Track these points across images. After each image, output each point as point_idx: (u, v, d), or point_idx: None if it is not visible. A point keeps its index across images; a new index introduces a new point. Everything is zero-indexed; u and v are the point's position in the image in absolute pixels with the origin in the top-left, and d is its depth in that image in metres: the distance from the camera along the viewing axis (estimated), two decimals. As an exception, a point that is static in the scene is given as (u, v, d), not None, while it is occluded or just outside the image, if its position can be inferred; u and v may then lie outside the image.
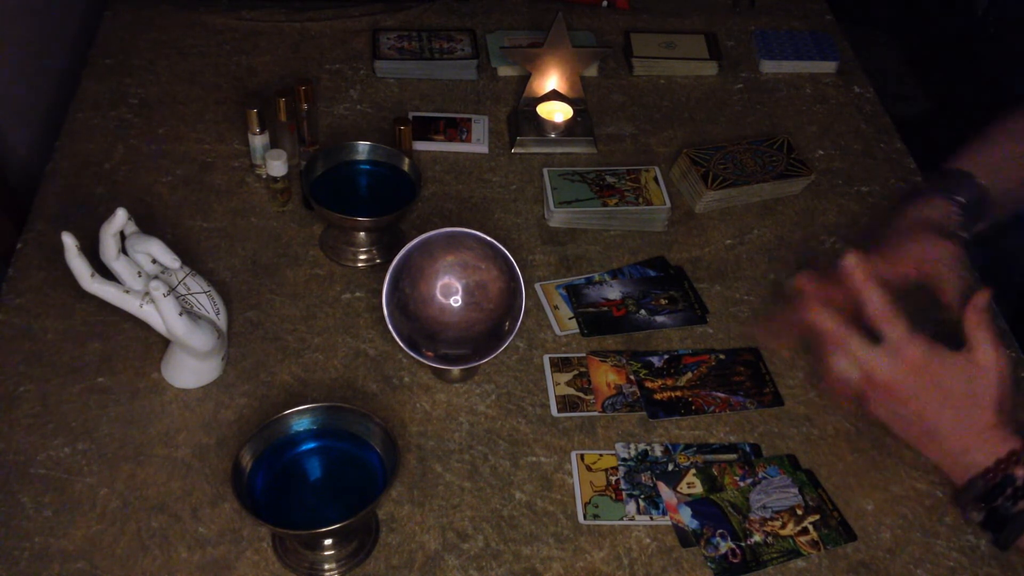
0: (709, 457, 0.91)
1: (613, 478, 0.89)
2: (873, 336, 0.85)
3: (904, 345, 0.84)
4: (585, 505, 0.87)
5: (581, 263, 1.09)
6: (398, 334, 0.91)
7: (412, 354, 0.91)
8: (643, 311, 1.04)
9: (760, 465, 0.91)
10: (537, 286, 1.06)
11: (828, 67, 1.38)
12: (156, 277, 0.86)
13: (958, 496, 0.86)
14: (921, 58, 2.15)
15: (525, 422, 0.93)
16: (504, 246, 0.92)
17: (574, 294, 1.05)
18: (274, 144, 1.15)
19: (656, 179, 1.17)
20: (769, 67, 1.38)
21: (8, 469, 0.87)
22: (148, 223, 1.08)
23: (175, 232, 1.09)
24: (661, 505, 0.87)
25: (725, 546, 0.84)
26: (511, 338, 0.92)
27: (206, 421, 0.91)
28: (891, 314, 0.84)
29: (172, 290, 0.86)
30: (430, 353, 0.92)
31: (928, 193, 0.99)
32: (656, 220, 1.14)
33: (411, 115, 1.25)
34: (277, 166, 1.09)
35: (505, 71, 1.35)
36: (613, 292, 1.06)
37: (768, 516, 0.87)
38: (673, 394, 0.96)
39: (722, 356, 1.00)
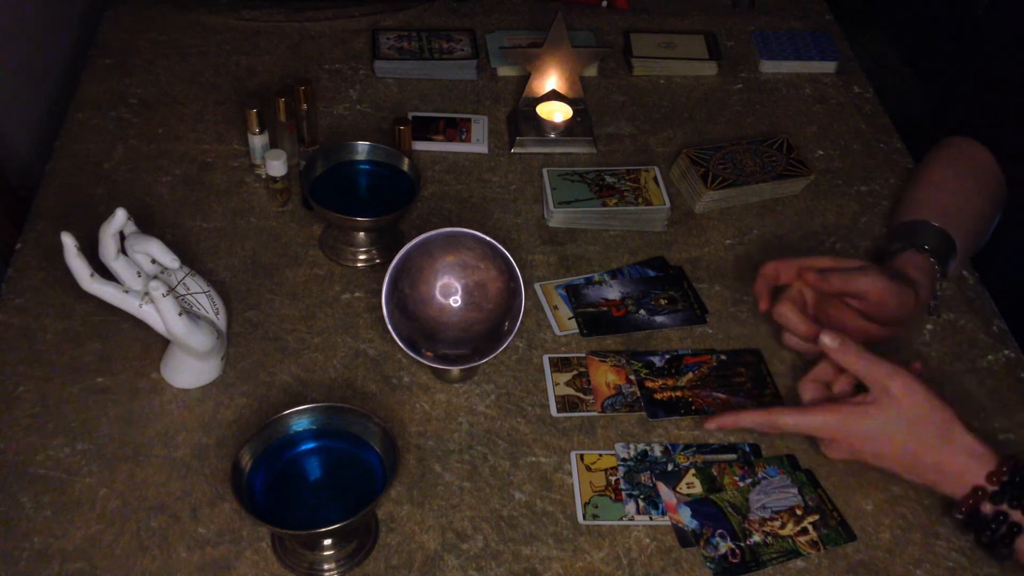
0: (709, 457, 0.91)
1: (613, 478, 0.89)
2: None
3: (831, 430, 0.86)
4: (584, 505, 0.87)
5: (581, 263, 1.09)
6: (397, 334, 0.91)
7: (412, 354, 0.91)
8: (643, 311, 1.04)
9: (759, 465, 0.91)
10: (537, 286, 1.06)
11: (828, 67, 1.38)
12: (155, 277, 0.86)
13: (949, 514, 0.87)
14: (921, 58, 2.15)
15: (524, 422, 0.93)
16: (504, 246, 0.92)
17: (574, 294, 1.05)
18: (274, 144, 1.15)
19: (656, 179, 1.17)
20: (769, 67, 1.38)
21: (8, 469, 0.87)
22: (148, 223, 1.08)
23: (175, 232, 1.09)
24: (661, 505, 0.87)
25: (725, 546, 0.84)
26: (511, 338, 0.92)
27: (205, 421, 0.91)
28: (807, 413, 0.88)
29: (171, 290, 0.86)
30: (429, 353, 0.92)
31: (898, 250, 1.01)
32: (656, 220, 1.14)
33: (411, 115, 1.25)
34: (277, 166, 1.09)
35: (505, 71, 1.35)
36: (613, 292, 1.06)
37: (768, 516, 0.87)
38: (673, 394, 0.96)
39: (723, 357, 1.00)
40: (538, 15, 1.45)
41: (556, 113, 1.23)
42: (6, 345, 0.96)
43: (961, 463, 0.82)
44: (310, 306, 1.03)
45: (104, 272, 0.88)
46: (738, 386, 0.97)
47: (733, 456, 0.92)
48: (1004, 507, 0.80)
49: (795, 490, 0.89)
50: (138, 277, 0.88)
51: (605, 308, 1.04)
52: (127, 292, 0.87)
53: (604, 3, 1.48)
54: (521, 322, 0.92)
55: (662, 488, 0.88)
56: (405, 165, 1.08)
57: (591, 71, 1.35)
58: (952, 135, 1.12)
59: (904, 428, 0.83)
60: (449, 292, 0.95)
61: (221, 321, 0.92)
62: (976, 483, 0.81)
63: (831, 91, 1.36)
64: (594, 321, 1.03)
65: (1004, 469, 0.81)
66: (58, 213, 1.09)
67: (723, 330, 1.03)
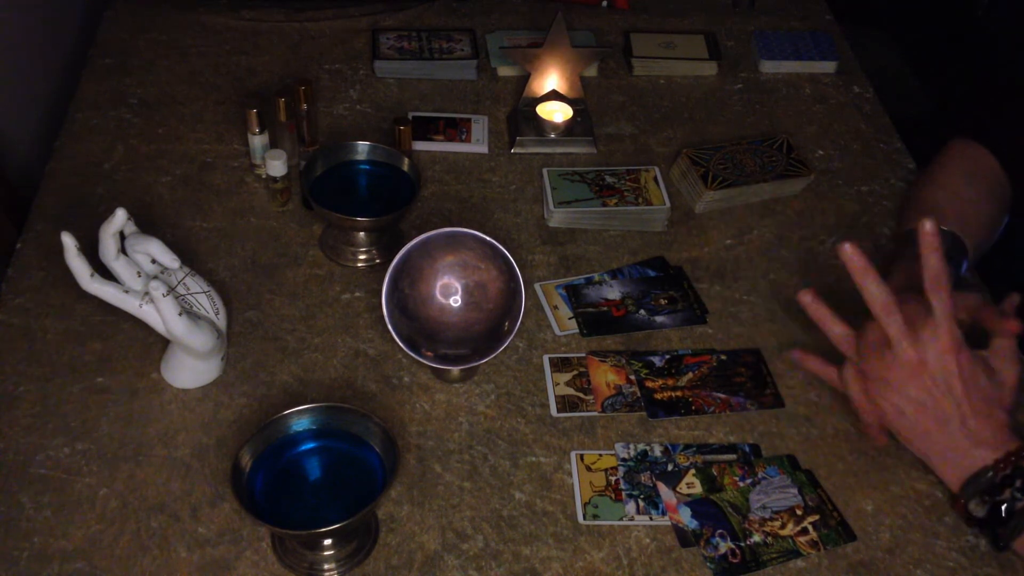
0: (709, 457, 0.91)
1: (613, 478, 0.89)
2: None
3: (944, 324, 0.84)
4: (585, 505, 0.87)
5: (581, 263, 1.09)
6: (398, 334, 0.91)
7: (412, 354, 0.91)
8: (643, 311, 1.04)
9: (760, 465, 0.91)
10: (537, 286, 1.06)
11: (828, 67, 1.39)
12: (156, 277, 0.86)
13: (963, 489, 0.85)
14: (921, 58, 2.15)
15: (525, 422, 0.93)
16: (504, 246, 0.92)
17: (574, 294, 1.05)
18: (274, 144, 1.15)
19: (656, 179, 1.17)
20: (769, 67, 1.38)
21: (8, 469, 0.87)
22: (148, 223, 1.08)
23: (175, 232, 1.09)
24: (661, 505, 0.87)
25: (725, 546, 0.84)
26: (511, 338, 0.92)
27: (206, 421, 0.92)
28: (939, 286, 0.85)
29: (172, 290, 0.86)
30: (429, 353, 0.92)
31: (911, 256, 1.00)
32: (656, 220, 1.14)
33: (411, 115, 1.25)
34: (277, 166, 1.09)
35: (505, 71, 1.35)
36: (613, 292, 1.06)
37: (768, 516, 0.87)
38: (673, 394, 0.96)
39: (723, 357, 1.00)
40: (538, 15, 1.45)
41: (556, 113, 1.23)
42: (6, 345, 0.96)
43: (1010, 431, 0.84)
44: (310, 306, 1.03)
45: (104, 272, 0.88)
46: (738, 386, 0.97)
47: (733, 456, 0.92)
48: None
49: (795, 490, 0.89)
50: (138, 277, 0.88)
51: (605, 308, 1.04)
52: (127, 292, 0.87)
53: (604, 3, 1.48)
54: (521, 322, 0.92)
55: (662, 488, 0.88)
56: (405, 165, 1.08)
57: (591, 71, 1.35)
58: (953, 136, 1.12)
59: (991, 390, 0.85)
60: (449, 292, 0.95)
61: (221, 321, 0.92)
62: (1018, 444, 0.83)
63: (831, 91, 1.36)
64: (594, 321, 1.03)
65: None
66: (58, 213, 1.09)
67: (723, 330, 1.03)
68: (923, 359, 0.84)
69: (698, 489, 0.89)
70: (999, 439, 0.83)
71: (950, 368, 0.84)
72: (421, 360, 0.92)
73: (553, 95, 1.24)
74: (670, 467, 0.90)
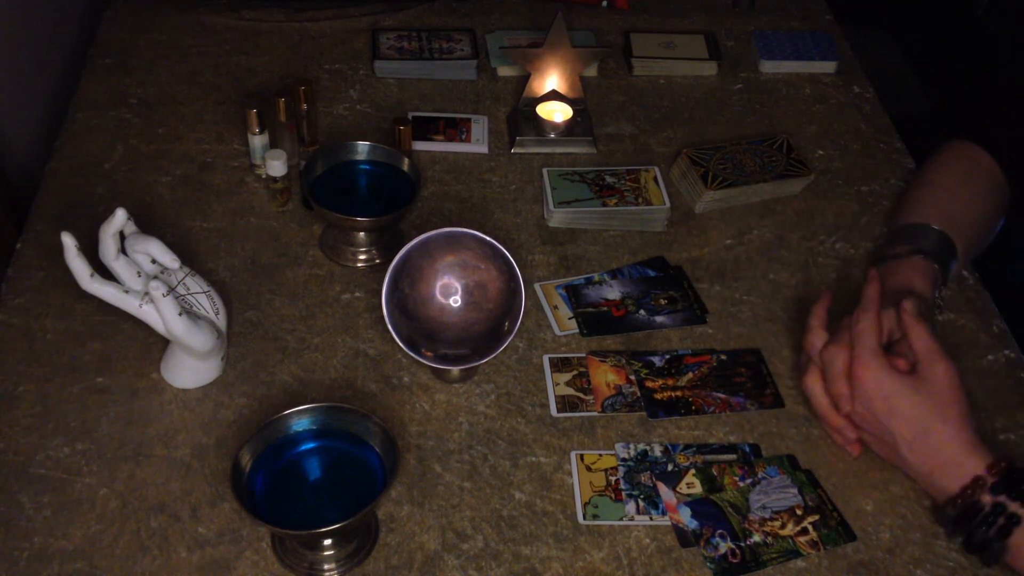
0: (709, 457, 0.91)
1: (613, 478, 0.89)
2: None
3: (863, 376, 0.87)
4: (585, 505, 0.87)
5: (581, 263, 1.09)
6: (397, 334, 0.91)
7: (411, 354, 0.91)
8: (643, 311, 1.04)
9: (760, 465, 0.91)
10: (537, 286, 1.06)
11: (828, 67, 1.38)
12: (156, 277, 0.86)
13: (936, 519, 0.87)
14: (921, 58, 2.15)
15: (524, 422, 0.93)
16: (504, 246, 0.92)
17: (574, 294, 1.05)
18: (274, 144, 1.15)
19: (656, 179, 1.17)
20: (769, 67, 1.38)
21: (8, 469, 0.87)
22: (148, 223, 1.08)
23: (175, 232, 1.09)
24: (661, 505, 0.87)
25: (725, 546, 0.84)
26: (511, 338, 0.92)
27: (205, 421, 0.92)
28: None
29: (172, 290, 0.86)
30: (429, 353, 0.92)
31: (898, 255, 1.01)
32: (656, 220, 1.14)
33: (411, 115, 1.25)
34: (277, 166, 1.09)
35: (505, 71, 1.35)
36: (613, 292, 1.06)
37: (768, 516, 0.87)
38: (673, 394, 0.96)
39: (723, 357, 1.00)
40: (538, 15, 1.45)
41: (556, 113, 1.23)
42: (6, 345, 0.96)
43: (963, 455, 0.83)
44: (310, 306, 1.03)
45: (104, 272, 0.88)
46: (738, 386, 0.97)
47: (733, 456, 0.92)
48: (1003, 498, 0.80)
49: (795, 490, 0.89)
50: (138, 277, 0.88)
51: (605, 308, 1.04)
52: (127, 292, 0.87)
53: (604, 3, 1.48)
54: (521, 322, 0.92)
55: (662, 488, 0.88)
56: (405, 165, 1.08)
57: (591, 71, 1.35)
58: (952, 136, 1.12)
59: (931, 402, 0.84)
60: (449, 292, 0.95)
61: (221, 321, 0.92)
62: (977, 473, 0.82)
63: (831, 91, 1.36)
64: (594, 321, 1.03)
65: (1002, 463, 0.82)
66: (58, 213, 1.09)
67: (723, 330, 1.03)
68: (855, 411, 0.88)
69: (698, 489, 0.89)
70: (951, 468, 0.84)
71: (877, 406, 0.86)
72: (421, 360, 0.92)
73: (553, 95, 1.24)
74: (670, 467, 0.90)
